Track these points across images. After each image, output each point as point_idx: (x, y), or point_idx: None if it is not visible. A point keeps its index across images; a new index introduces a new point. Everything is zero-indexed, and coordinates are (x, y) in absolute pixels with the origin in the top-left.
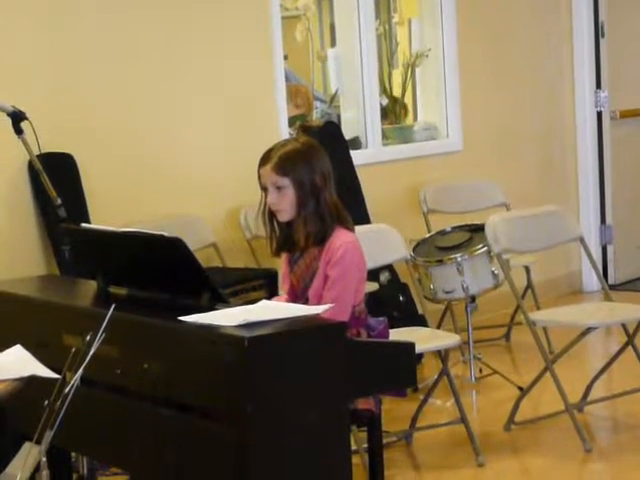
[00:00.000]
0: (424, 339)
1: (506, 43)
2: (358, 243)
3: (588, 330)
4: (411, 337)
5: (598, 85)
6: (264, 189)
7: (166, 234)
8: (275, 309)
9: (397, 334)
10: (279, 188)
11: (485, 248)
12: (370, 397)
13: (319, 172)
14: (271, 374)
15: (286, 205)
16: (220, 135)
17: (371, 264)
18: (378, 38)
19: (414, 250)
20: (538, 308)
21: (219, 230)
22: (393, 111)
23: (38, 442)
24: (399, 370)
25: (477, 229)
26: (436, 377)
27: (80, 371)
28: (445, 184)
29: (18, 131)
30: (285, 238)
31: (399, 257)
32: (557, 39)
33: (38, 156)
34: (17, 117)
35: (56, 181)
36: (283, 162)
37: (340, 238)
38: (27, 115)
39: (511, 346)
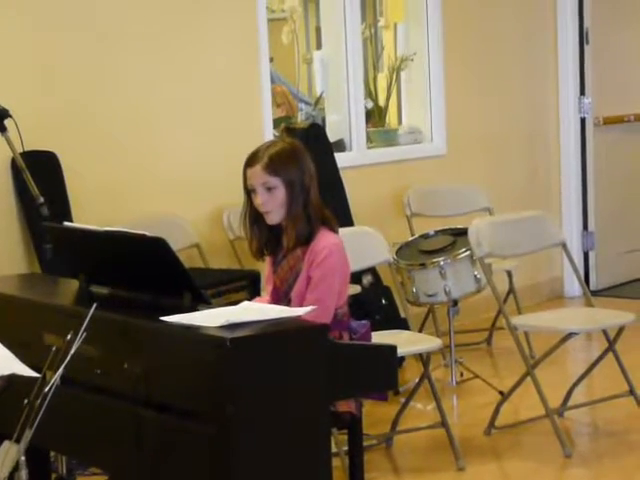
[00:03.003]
0: (406, 342)
1: (491, 49)
2: (342, 245)
3: (569, 335)
4: (393, 340)
5: (582, 91)
6: (250, 191)
7: (148, 234)
8: (257, 310)
9: (379, 337)
10: (269, 189)
11: (468, 252)
12: (351, 400)
13: (307, 172)
14: (252, 375)
15: (276, 206)
16: (204, 136)
17: (354, 267)
18: (364, 41)
19: (397, 253)
20: (520, 313)
21: (202, 231)
22: (378, 114)
23: (17, 441)
24: (380, 373)
25: (460, 233)
26: (417, 381)
27: (60, 370)
28: (429, 188)
29: (1, 129)
30: (267, 240)
31: (382, 260)
32: (542, 45)
33: (21, 154)
34: (0, 115)
35: (39, 179)
36: (274, 162)
37: (324, 240)
38: (11, 113)
39: (492, 350)
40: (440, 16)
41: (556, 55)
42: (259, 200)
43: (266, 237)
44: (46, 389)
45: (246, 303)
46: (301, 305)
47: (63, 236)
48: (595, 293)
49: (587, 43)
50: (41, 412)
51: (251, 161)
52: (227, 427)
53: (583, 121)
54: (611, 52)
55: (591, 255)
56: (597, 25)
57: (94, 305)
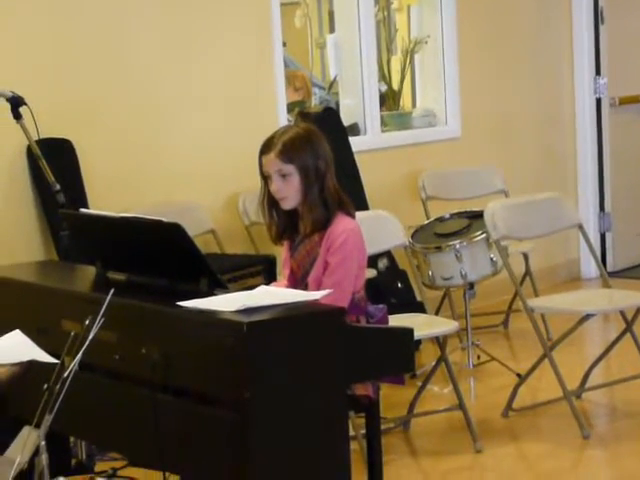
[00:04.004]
0: (422, 325)
1: (505, 30)
2: (359, 230)
3: (586, 317)
4: (409, 323)
5: (597, 72)
6: (266, 177)
7: (165, 220)
8: (274, 294)
9: (395, 320)
10: (284, 175)
11: (484, 235)
12: (368, 383)
13: (322, 158)
14: (270, 359)
15: (291, 192)
16: (219, 121)
17: (370, 251)
18: (377, 24)
19: (413, 237)
20: (536, 295)
21: (218, 216)
22: (392, 98)
23: (37, 426)
24: (397, 356)
25: (476, 216)
26: (434, 363)
27: (79, 355)
28: (444, 171)
29: (17, 116)
30: (285, 225)
31: (398, 244)
32: (557, 25)
33: (37, 141)
34: (16, 102)
35: (55, 166)
36: (288, 149)
37: (341, 224)
38: (26, 100)
39: (509, 333)
40: None
41: (571, 35)
42: (274, 187)
43: (284, 222)
44: (65, 374)
45: (263, 287)
46: (318, 290)
47: (79, 223)
48: (612, 274)
49: (602, 23)
50: (60, 397)
51: (266, 148)
52: (245, 411)
53: (599, 101)
54: (626, 32)
55: (608, 236)
56: (612, 4)
57: (111, 291)
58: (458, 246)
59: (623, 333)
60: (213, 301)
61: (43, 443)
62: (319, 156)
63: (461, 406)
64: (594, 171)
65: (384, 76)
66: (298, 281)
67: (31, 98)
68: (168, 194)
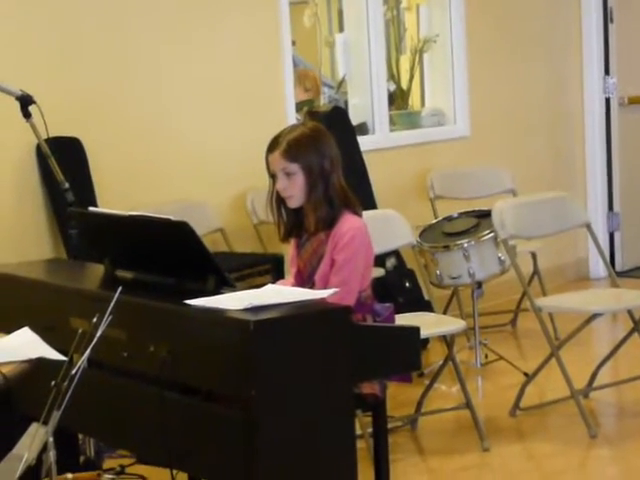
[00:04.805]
0: (430, 324)
1: (514, 29)
2: (366, 228)
3: (594, 316)
4: (417, 322)
5: (607, 71)
6: (272, 176)
7: (173, 218)
8: (281, 293)
9: (403, 319)
10: (288, 174)
11: (492, 234)
12: (375, 382)
13: (328, 157)
14: (276, 358)
15: (296, 191)
16: (227, 120)
17: (377, 250)
18: (386, 24)
19: (420, 236)
20: (544, 294)
21: (226, 215)
22: (400, 97)
23: (45, 423)
24: (404, 354)
25: (484, 215)
26: (442, 362)
27: (87, 353)
28: (452, 170)
29: (26, 115)
30: (293, 223)
31: (405, 243)
32: (566, 25)
33: (46, 140)
34: (25, 101)
35: (64, 165)
36: (292, 148)
37: (348, 223)
38: (35, 99)
39: (517, 332)
40: None
41: (580, 35)
42: (279, 185)
43: (292, 220)
44: (73, 371)
45: (270, 286)
46: (325, 288)
47: (88, 221)
48: (621, 274)
49: (611, 22)
50: (68, 394)
51: (271, 147)
52: (252, 409)
53: (608, 101)
54: (636, 31)
55: (616, 236)
56: (621, 4)
57: (119, 289)
58: (466, 245)
59: (631, 333)
60: (220, 299)
61: (51, 440)
62: (324, 155)
63: (468, 405)
64: (603, 170)
65: (393, 75)
66: (305, 279)
67: (40, 97)
68: (177, 193)
